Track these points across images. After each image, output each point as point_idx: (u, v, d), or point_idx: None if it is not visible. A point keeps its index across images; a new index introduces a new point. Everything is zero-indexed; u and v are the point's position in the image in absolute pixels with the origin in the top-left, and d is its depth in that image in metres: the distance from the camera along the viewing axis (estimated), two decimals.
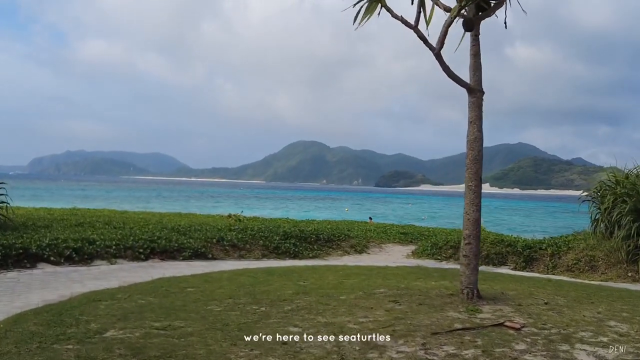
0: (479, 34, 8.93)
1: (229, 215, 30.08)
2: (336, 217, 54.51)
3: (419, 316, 7.83)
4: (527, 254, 16.55)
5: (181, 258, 15.73)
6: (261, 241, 17.48)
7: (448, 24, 8.45)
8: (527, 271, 16.03)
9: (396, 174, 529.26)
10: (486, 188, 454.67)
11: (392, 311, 8.13)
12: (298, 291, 9.64)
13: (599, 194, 18.32)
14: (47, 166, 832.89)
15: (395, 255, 18.80)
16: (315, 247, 18.18)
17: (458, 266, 16.47)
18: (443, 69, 8.69)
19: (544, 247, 16.58)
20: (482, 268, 16.21)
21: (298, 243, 17.95)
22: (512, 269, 16.32)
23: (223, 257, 16.44)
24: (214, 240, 16.89)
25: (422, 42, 8.48)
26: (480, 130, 8.87)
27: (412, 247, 20.46)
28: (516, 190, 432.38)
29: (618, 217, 16.04)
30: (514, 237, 18.16)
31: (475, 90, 8.88)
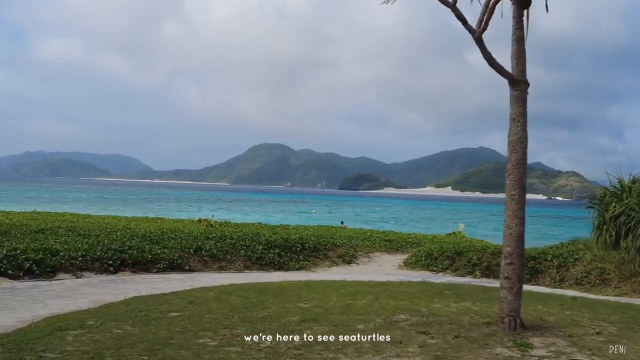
0: (524, 15, 7.56)
1: (200, 220, 28.49)
2: (305, 221, 53.13)
3: (463, 354, 6.42)
4: (532, 266, 15.31)
5: (155, 270, 14.19)
6: (242, 251, 15.98)
7: (495, 1, 7.08)
8: (533, 284, 14.79)
9: (360, 177, 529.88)
10: (448, 191, 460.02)
11: (428, 347, 6.69)
12: (304, 317, 8.14)
13: (602, 200, 17.21)
14: (6, 167, 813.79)
15: (387, 266, 17.46)
16: (301, 257, 16.73)
17: (460, 279, 15.39)
18: (484, 56, 7.32)
19: (549, 259, 15.35)
20: (483, 281, 15.05)
21: (282, 253, 16.49)
22: None
23: (201, 269, 14.92)
24: (191, 250, 15.34)
25: (460, 23, 7.08)
26: (524, 129, 7.50)
27: (401, 256, 19.19)
28: (477, 194, 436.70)
29: (628, 226, 14.92)
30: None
31: (518, 82, 7.51)
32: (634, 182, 16.70)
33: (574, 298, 11.39)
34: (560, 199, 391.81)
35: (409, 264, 17.38)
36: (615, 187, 17.05)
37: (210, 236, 17.35)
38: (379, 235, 24.31)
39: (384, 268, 17.10)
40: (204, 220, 28.55)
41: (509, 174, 7.55)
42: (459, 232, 30.12)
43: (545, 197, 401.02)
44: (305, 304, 9.41)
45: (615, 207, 16.34)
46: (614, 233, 16.03)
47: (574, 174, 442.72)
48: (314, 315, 8.33)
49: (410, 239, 23.08)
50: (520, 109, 7.50)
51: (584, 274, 14.49)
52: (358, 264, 17.65)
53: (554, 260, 15.17)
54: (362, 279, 13.40)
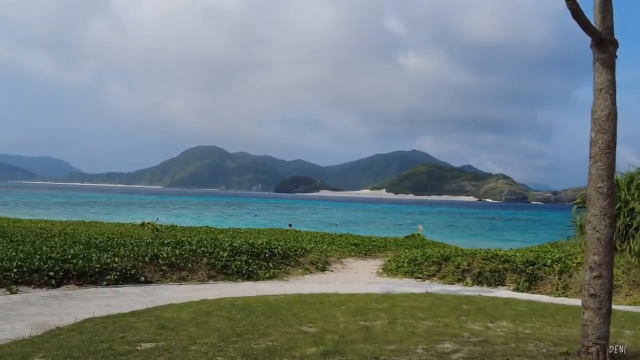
0: None
1: (143, 224, 26.22)
2: (249, 224, 51.16)
3: None
4: (531, 272, 13.79)
5: (105, 283, 12.01)
6: (205, 259, 13.91)
7: None
8: (533, 292, 13.29)
9: (296, 179, 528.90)
10: (383, 194, 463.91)
11: None
12: (323, 349, 6.22)
13: None
14: None
15: (364, 273, 15.69)
16: (270, 264, 14.75)
17: (453, 288, 13.69)
18: (568, 5, 5.57)
19: (548, 264, 13.86)
20: (480, 290, 13.47)
21: (250, 260, 14.50)
22: (514, 290, 13.54)
23: (159, 280, 12.81)
24: (146, 259, 13.18)
25: None
26: (614, 102, 5.81)
27: (374, 262, 17.50)
28: (411, 196, 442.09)
29: (628, 227, 13.59)
30: (509, 252, 15.33)
31: (606, 42, 5.82)
32: (631, 179, 15.45)
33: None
34: (490, 200, 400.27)
35: (389, 271, 15.63)
36: None
37: (166, 242, 15.23)
38: (342, 238, 22.59)
39: (362, 275, 15.32)
40: (148, 224, 26.30)
41: (595, 161, 5.85)
42: (418, 234, 28.77)
43: (476, 199, 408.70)
44: (309, 327, 7.50)
45: None
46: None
47: (503, 176, 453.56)
48: (333, 345, 6.43)
49: (376, 243, 21.52)
50: (608, 77, 5.82)
51: None
52: (332, 271, 15.82)
53: (555, 266, 13.68)
54: (354, 291, 11.53)
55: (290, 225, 38.35)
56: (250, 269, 14.02)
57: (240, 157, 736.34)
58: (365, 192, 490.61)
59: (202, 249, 14.43)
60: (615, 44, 5.86)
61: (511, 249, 20.52)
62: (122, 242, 14.83)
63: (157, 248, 14.06)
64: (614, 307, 10.61)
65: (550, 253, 14.82)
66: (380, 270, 15.89)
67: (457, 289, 13.41)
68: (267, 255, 15.03)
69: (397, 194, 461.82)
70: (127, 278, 12.39)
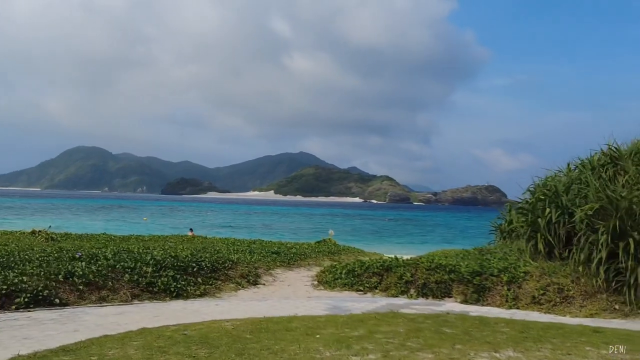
0: None
1: (35, 232, 23.94)
2: (139, 230, 48.88)
3: None
4: (478, 282, 13.12)
5: (14, 307, 10.22)
6: (127, 275, 12.30)
7: None
8: (482, 304, 12.62)
9: (183, 181, 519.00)
10: (271, 195, 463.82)
11: None
12: None
13: (533, 206, 15.52)
14: None
15: (299, 286, 14.56)
16: (199, 280, 13.29)
17: (398, 301, 12.66)
18: None
19: (496, 274, 13.23)
20: (423, 302, 12.66)
21: (178, 276, 13.00)
22: (462, 302, 12.84)
23: (76, 302, 11.14)
24: (60, 277, 11.44)
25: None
26: None
27: (305, 272, 16.48)
28: (299, 198, 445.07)
29: (586, 236, 13.15)
30: (449, 261, 14.57)
31: None
32: (570, 184, 15.20)
33: (596, 330, 9.10)
34: (375, 201, 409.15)
35: (325, 283, 14.54)
36: (547, 191, 15.45)
37: (77, 256, 13.47)
38: (257, 245, 21.38)
39: (298, 289, 14.16)
40: (40, 231, 24.02)
41: None
42: (329, 239, 28.05)
43: (361, 200, 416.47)
44: None
45: (551, 212, 14.73)
46: (550, 242, 14.46)
47: (387, 178, 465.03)
48: None
49: (295, 250, 20.48)
50: None
51: (541, 292, 12.50)
52: (264, 284, 14.55)
53: (502, 276, 13.07)
54: (300, 309, 10.39)
55: (191, 230, 36.49)
56: (178, 285, 12.54)
57: (124, 158, 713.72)
58: (253, 194, 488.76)
59: (122, 263, 12.79)
60: None
61: (430, 252, 20.14)
62: (26, 256, 12.94)
63: (69, 264, 12.32)
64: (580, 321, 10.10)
65: (494, 262, 14.24)
66: (315, 283, 14.81)
67: (403, 302, 12.54)
68: (194, 269, 13.58)
69: (285, 195, 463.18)
70: (39, 300, 10.65)
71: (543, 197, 15.34)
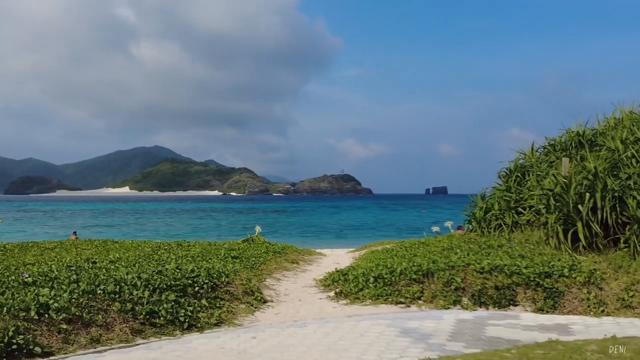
0: None
1: None
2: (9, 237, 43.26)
3: None
4: (549, 286, 10.67)
5: None
6: (116, 303, 8.70)
7: None
8: (561, 312, 10.20)
9: (28, 180, 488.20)
10: (126, 191, 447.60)
11: None
12: None
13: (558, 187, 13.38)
14: None
15: (314, 301, 11.45)
16: (204, 302, 9.83)
17: (466, 315, 10.00)
18: None
19: (566, 274, 10.85)
20: (486, 314, 10.11)
21: (182, 300, 9.51)
22: (534, 311, 10.32)
23: (63, 348, 7.49)
24: (32, 313, 7.72)
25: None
26: None
27: (302, 281, 13.54)
28: (156, 193, 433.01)
29: None
30: (514, 261, 11.80)
31: None
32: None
33: None
34: (234, 194, 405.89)
35: (347, 296, 11.44)
36: (587, 172, 13.40)
37: (24, 277, 9.64)
38: (199, 248, 17.91)
39: (316, 304, 10.99)
40: None
41: None
42: (256, 236, 25.03)
43: (221, 193, 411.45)
44: None
45: (594, 197, 12.71)
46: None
47: (246, 170, 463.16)
48: None
49: (250, 253, 17.30)
50: None
51: (630, 293, 10.28)
52: (272, 301, 11.30)
53: (576, 276, 10.69)
54: (396, 343, 7.40)
55: (75, 233, 31.82)
56: (187, 313, 9.10)
57: None
58: (107, 191, 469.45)
59: (102, 286, 9.14)
60: None
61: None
62: None
63: (36, 290, 8.57)
64: None
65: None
66: (332, 295, 11.75)
67: (470, 315, 9.85)
68: (195, 289, 10.12)
69: (141, 191, 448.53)
70: (13, 352, 6.97)
71: (581, 181, 13.22)
